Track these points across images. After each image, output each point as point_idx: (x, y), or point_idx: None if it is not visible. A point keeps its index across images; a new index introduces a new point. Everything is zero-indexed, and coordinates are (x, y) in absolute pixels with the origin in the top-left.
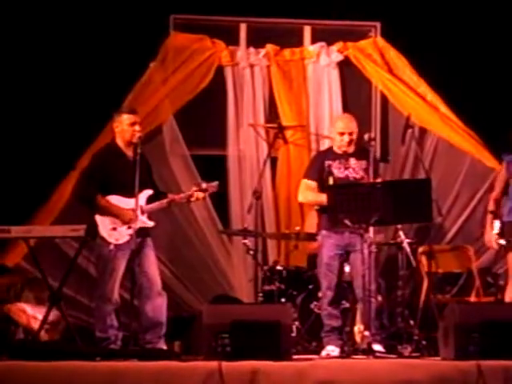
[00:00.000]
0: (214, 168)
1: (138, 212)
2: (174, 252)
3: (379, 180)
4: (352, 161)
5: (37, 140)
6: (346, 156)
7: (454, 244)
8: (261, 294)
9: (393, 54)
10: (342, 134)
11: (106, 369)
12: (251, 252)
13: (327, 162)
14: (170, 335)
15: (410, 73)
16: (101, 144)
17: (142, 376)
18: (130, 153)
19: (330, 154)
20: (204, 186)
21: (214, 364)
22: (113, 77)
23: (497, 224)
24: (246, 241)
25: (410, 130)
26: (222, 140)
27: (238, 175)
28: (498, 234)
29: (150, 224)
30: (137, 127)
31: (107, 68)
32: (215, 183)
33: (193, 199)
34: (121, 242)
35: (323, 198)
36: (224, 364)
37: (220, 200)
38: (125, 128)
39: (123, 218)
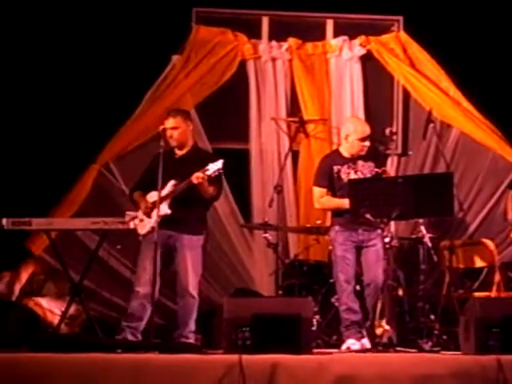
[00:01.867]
0: (235, 162)
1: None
2: None
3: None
4: (360, 163)
5: (59, 133)
6: (353, 159)
7: (475, 239)
8: (281, 288)
9: (415, 49)
10: (364, 139)
11: (126, 361)
12: (272, 246)
13: (336, 167)
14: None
15: (432, 67)
16: (122, 137)
17: (162, 369)
18: (180, 152)
19: (337, 158)
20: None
21: (234, 357)
22: (135, 70)
23: None
24: (266, 235)
25: (431, 125)
26: (244, 134)
27: (260, 169)
28: None
29: (167, 212)
30: (175, 133)
31: (130, 61)
32: (218, 161)
33: (194, 181)
34: (143, 232)
35: (338, 202)
36: (244, 357)
37: (242, 194)
38: (163, 132)
39: (141, 208)
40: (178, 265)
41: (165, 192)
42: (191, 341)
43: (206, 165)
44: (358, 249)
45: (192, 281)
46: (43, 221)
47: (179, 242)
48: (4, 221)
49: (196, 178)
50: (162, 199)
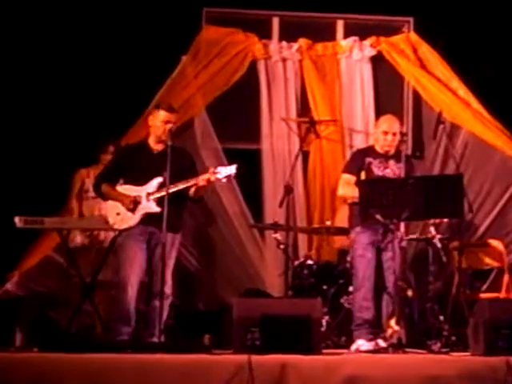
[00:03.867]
0: (246, 162)
1: (143, 197)
2: (206, 246)
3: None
4: (391, 162)
5: (69, 133)
6: (386, 157)
7: (484, 240)
8: (291, 289)
9: (425, 50)
10: (386, 133)
11: (135, 361)
12: (282, 246)
13: (368, 159)
14: (201, 328)
15: (442, 68)
16: (131, 137)
17: (171, 369)
18: (159, 147)
19: (371, 152)
20: (216, 169)
21: (243, 357)
22: (146, 70)
23: None
24: (276, 235)
25: (441, 126)
26: (255, 134)
27: (271, 169)
28: None
29: (155, 209)
30: (169, 126)
31: (140, 61)
32: (231, 166)
33: (201, 182)
34: (124, 226)
35: None
36: (253, 357)
37: (252, 194)
38: (158, 124)
39: (123, 203)
40: (158, 263)
41: (152, 189)
42: (159, 340)
43: (184, 162)
44: (378, 249)
45: (169, 279)
46: (56, 220)
47: (161, 240)
48: (17, 219)
49: (203, 180)
50: (148, 195)
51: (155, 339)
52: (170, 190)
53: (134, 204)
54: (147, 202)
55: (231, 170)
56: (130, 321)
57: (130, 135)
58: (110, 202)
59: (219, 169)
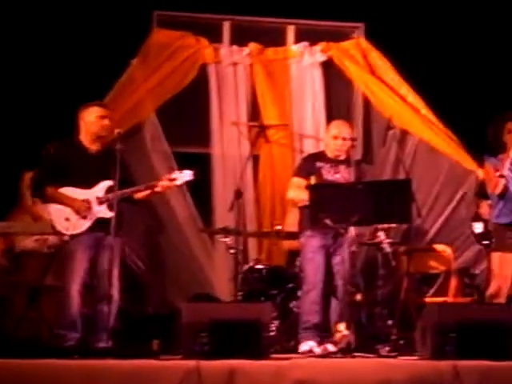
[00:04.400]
0: (196, 166)
1: (94, 202)
2: (155, 250)
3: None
4: (342, 167)
5: (15, 137)
6: (336, 162)
7: (432, 245)
8: (240, 293)
9: (375, 56)
10: (336, 138)
11: (83, 367)
12: (231, 251)
13: (318, 164)
14: (150, 333)
15: (392, 74)
16: None
17: (119, 374)
18: (94, 147)
19: (321, 156)
20: (172, 176)
21: (192, 363)
22: (95, 73)
23: (479, 225)
24: (226, 239)
25: (391, 132)
26: (205, 138)
27: (221, 173)
28: (480, 235)
29: (109, 214)
30: (106, 121)
31: (89, 64)
32: (187, 172)
33: (157, 189)
34: (74, 232)
35: None
36: (202, 363)
37: (202, 198)
38: (92, 120)
39: (74, 208)
40: (104, 267)
41: (101, 192)
42: (107, 345)
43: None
44: (328, 254)
45: (116, 283)
46: (3, 224)
47: (107, 243)
48: None
49: (162, 186)
50: (99, 200)
51: (103, 344)
52: (123, 196)
53: (85, 209)
54: (99, 207)
55: (189, 176)
56: (76, 326)
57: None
58: (55, 206)
59: (176, 174)
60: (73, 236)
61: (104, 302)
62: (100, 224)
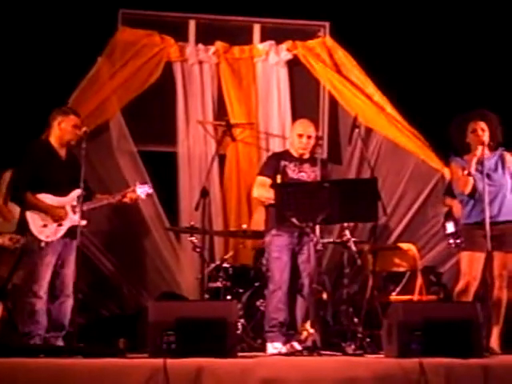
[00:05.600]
0: (162, 165)
1: (69, 210)
2: (121, 248)
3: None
4: (307, 166)
5: None
6: (301, 160)
7: (398, 243)
8: (207, 292)
9: (341, 54)
10: (301, 136)
11: (49, 366)
12: (198, 250)
13: (283, 163)
14: (116, 332)
15: (357, 73)
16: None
17: (86, 373)
18: (62, 152)
19: (286, 155)
20: (135, 188)
21: (158, 361)
22: (60, 71)
23: (450, 225)
24: (192, 238)
25: (356, 130)
26: (171, 136)
27: (187, 172)
28: (451, 234)
29: (83, 223)
30: (78, 131)
31: (55, 62)
32: (147, 185)
33: (126, 200)
34: (51, 239)
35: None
36: (169, 361)
37: (168, 197)
38: (68, 129)
39: (53, 216)
40: (64, 268)
41: (75, 201)
42: (62, 343)
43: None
44: (294, 252)
45: (71, 283)
46: None
47: (69, 247)
48: None
49: (130, 199)
50: (74, 208)
51: (60, 342)
52: (92, 206)
53: (62, 217)
54: (73, 216)
55: (149, 189)
56: (42, 325)
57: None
58: (33, 213)
59: (138, 189)
60: (49, 243)
61: (62, 300)
62: (69, 229)
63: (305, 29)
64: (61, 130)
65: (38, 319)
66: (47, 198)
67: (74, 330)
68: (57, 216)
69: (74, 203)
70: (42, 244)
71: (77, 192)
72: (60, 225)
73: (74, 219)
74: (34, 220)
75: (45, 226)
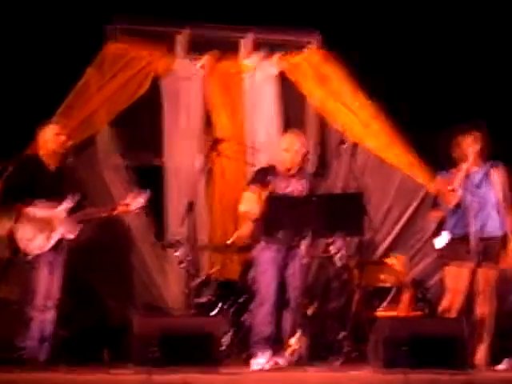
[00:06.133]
0: (149, 178)
1: (58, 223)
2: (106, 261)
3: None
4: (294, 180)
5: None
6: (288, 175)
7: (384, 258)
8: (193, 306)
9: (329, 69)
10: (287, 150)
11: (33, 379)
12: (183, 265)
13: (270, 177)
14: (101, 344)
15: (345, 88)
16: (33, 151)
17: None
18: (53, 165)
19: (273, 170)
20: (127, 201)
21: (143, 376)
22: (49, 83)
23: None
24: (178, 252)
25: (343, 145)
26: (158, 150)
27: (174, 186)
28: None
29: (71, 236)
30: (61, 137)
31: (44, 74)
32: (141, 199)
33: (115, 212)
34: (37, 252)
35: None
36: (154, 376)
37: (155, 211)
38: (49, 138)
39: (42, 228)
40: (52, 280)
41: (65, 213)
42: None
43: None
44: (281, 266)
45: (57, 294)
46: None
47: (56, 261)
48: None
49: (120, 211)
50: (62, 221)
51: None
52: (82, 218)
53: (51, 230)
54: (62, 228)
55: (142, 201)
56: (36, 339)
57: (33, 149)
58: (21, 225)
59: (130, 200)
60: (36, 256)
61: (45, 313)
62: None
63: (293, 42)
64: (44, 142)
65: (34, 334)
66: (36, 211)
67: (56, 343)
68: (45, 228)
69: (63, 216)
70: (29, 257)
71: (65, 205)
72: (49, 237)
73: (62, 232)
74: (22, 233)
75: (33, 238)
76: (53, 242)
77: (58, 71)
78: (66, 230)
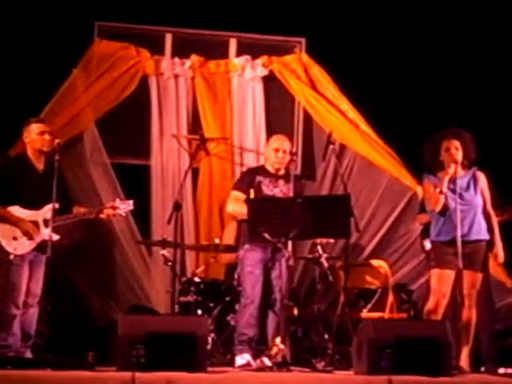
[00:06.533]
0: (136, 178)
1: (41, 224)
2: (91, 261)
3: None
4: (281, 182)
5: None
6: (276, 176)
7: (370, 260)
8: (177, 306)
9: (316, 71)
10: (277, 150)
11: (17, 378)
12: (169, 263)
13: (258, 178)
14: (85, 345)
15: (332, 90)
16: (18, 151)
17: None
18: (40, 165)
19: (261, 171)
20: (116, 203)
21: (127, 375)
22: (36, 83)
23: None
24: (164, 252)
25: (331, 147)
26: (145, 150)
27: (160, 185)
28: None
29: (55, 238)
30: (46, 136)
31: (30, 74)
32: (129, 202)
33: (102, 216)
34: (20, 252)
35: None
36: (138, 375)
37: (141, 210)
38: (34, 137)
39: (22, 229)
40: (31, 281)
41: (48, 214)
42: (29, 355)
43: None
44: (267, 268)
45: (39, 292)
46: None
47: (38, 260)
48: None
49: (107, 215)
50: (46, 222)
51: (29, 353)
52: (68, 221)
53: (33, 231)
54: (45, 229)
55: (130, 206)
56: (18, 337)
57: (17, 148)
58: (3, 225)
59: (118, 203)
60: (18, 256)
61: (27, 310)
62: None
63: (281, 44)
64: (28, 142)
65: (15, 331)
66: (18, 211)
67: (42, 342)
68: (27, 230)
69: (48, 216)
70: (11, 256)
71: (50, 206)
72: (31, 238)
73: (45, 233)
74: (4, 232)
75: (14, 238)
76: (34, 243)
77: (44, 70)
78: (50, 232)
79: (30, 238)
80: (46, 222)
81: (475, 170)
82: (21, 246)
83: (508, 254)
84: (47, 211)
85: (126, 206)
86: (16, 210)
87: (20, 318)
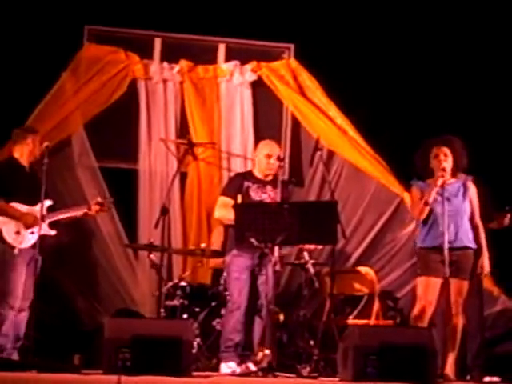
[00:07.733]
0: (123, 181)
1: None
2: (77, 264)
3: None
4: (269, 187)
5: None
6: (264, 182)
7: (356, 267)
8: (163, 310)
9: (305, 77)
10: (270, 156)
11: (3, 380)
12: (156, 267)
13: (246, 183)
14: (71, 348)
15: (320, 96)
16: (7, 154)
17: None
18: (26, 166)
19: (249, 176)
20: (100, 200)
21: (113, 378)
22: (25, 86)
23: None
24: (151, 256)
25: (318, 153)
26: (133, 153)
27: (148, 189)
28: None
29: (51, 233)
30: (38, 146)
31: (19, 77)
32: (110, 199)
33: (90, 212)
34: (24, 246)
35: None
36: (123, 378)
37: (128, 214)
38: (30, 148)
39: (25, 221)
40: (28, 279)
41: (44, 211)
42: (16, 357)
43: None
44: (254, 274)
45: (31, 295)
46: None
47: (34, 261)
48: None
49: (96, 211)
50: (44, 218)
51: (16, 355)
52: (61, 216)
53: (35, 224)
54: (43, 224)
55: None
56: (10, 339)
57: (6, 151)
58: (5, 219)
59: (109, 201)
60: (21, 250)
61: (17, 312)
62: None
63: (269, 50)
64: (27, 148)
65: (8, 332)
66: (19, 206)
67: (29, 344)
68: (29, 221)
69: (43, 213)
70: (16, 251)
71: (46, 203)
72: (32, 233)
73: (44, 228)
74: (7, 227)
75: (17, 232)
76: (35, 237)
77: (33, 74)
78: (45, 228)
79: (31, 232)
80: (42, 218)
81: (468, 179)
82: (24, 240)
83: (494, 262)
84: (43, 208)
85: (108, 201)
86: (17, 205)
87: (11, 320)
